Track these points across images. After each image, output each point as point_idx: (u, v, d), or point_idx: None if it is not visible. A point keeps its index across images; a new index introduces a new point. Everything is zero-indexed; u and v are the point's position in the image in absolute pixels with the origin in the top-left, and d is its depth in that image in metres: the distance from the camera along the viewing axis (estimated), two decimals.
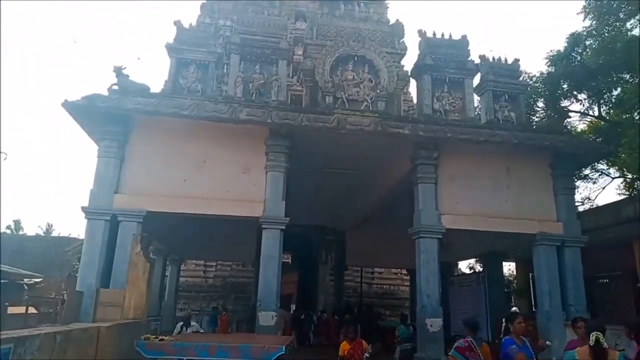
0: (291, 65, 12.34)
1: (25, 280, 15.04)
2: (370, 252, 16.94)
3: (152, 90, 9.27)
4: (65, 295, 8.63)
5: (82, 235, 27.77)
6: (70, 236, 28.06)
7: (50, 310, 11.43)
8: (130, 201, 8.71)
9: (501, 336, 4.86)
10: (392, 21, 22.26)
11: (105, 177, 8.74)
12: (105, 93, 8.77)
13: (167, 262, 16.24)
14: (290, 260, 19.57)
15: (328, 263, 19.97)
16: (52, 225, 35.47)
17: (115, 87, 8.86)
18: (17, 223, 33.75)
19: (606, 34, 11.57)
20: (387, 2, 23.54)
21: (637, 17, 10.83)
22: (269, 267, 8.88)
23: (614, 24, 11.65)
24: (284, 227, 9.14)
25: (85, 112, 8.49)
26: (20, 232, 31.52)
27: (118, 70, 8.92)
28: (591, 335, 3.71)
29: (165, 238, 13.56)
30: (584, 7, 11.67)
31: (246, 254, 15.99)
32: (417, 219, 9.63)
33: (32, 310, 11.35)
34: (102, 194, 8.64)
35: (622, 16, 11.13)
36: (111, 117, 8.72)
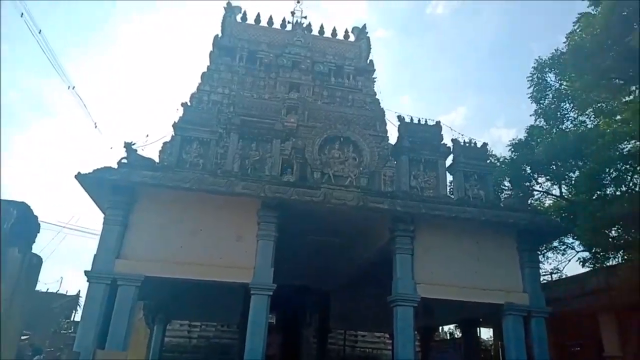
0: (284, 136, 13.52)
1: None
2: (354, 315, 17.37)
3: (157, 162, 10.28)
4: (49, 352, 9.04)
5: (69, 292, 27.66)
6: (57, 292, 27.71)
7: None
8: (130, 266, 9.38)
9: None
10: (378, 93, 24.18)
11: (108, 243, 9.45)
12: (115, 166, 9.73)
13: (154, 322, 16.46)
14: (274, 321, 19.76)
15: (312, 325, 20.20)
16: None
17: (124, 161, 9.82)
18: None
19: (554, 134, 13.43)
20: (374, 76, 25.67)
21: (580, 118, 12.87)
22: (256, 333, 9.42)
23: (559, 126, 13.56)
24: (271, 293, 9.83)
25: (96, 183, 9.39)
26: None
27: (128, 146, 9.92)
28: None
29: (154, 299, 13.97)
30: (535, 110, 13.74)
31: (231, 316, 16.31)
32: (394, 288, 10.39)
33: None
34: (104, 259, 9.32)
35: (564, 120, 13.28)
36: (119, 189, 9.60)
